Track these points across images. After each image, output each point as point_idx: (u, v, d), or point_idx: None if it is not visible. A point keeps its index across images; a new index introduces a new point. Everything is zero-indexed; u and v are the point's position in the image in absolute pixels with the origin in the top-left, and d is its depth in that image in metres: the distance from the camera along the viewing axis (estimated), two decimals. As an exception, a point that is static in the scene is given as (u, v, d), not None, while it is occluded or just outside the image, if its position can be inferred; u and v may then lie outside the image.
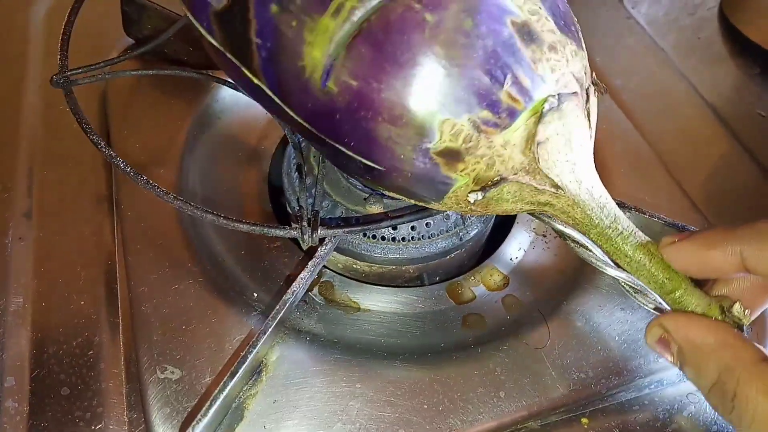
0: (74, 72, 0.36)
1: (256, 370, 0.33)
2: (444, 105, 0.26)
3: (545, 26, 0.27)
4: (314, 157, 0.39)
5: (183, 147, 0.43)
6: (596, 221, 0.29)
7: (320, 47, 0.26)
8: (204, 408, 0.29)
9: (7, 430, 0.31)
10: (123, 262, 0.37)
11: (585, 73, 0.29)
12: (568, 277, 0.40)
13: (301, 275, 0.34)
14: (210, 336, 0.34)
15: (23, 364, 0.33)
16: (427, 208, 0.36)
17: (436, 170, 0.27)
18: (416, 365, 0.34)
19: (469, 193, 0.28)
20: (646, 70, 0.54)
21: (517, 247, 0.42)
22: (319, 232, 0.34)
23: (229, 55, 0.29)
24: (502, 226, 0.43)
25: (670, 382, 0.35)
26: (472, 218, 0.39)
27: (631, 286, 0.33)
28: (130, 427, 0.32)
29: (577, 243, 0.34)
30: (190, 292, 0.36)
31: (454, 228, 0.38)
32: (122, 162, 0.33)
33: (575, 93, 0.28)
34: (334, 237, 0.35)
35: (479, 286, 0.40)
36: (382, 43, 0.25)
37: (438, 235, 0.38)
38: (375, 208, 0.37)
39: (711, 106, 0.51)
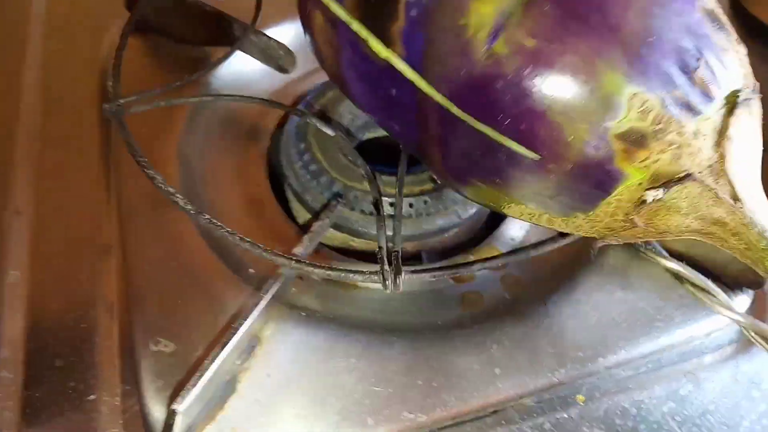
0: (128, 100, 0.36)
1: (251, 345, 0.33)
2: (636, 75, 0.22)
3: (726, 20, 0.25)
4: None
5: (184, 123, 0.43)
6: None
7: (491, 2, 0.23)
8: (194, 378, 0.29)
9: (1, 400, 0.31)
10: (119, 236, 0.37)
11: None
12: (568, 257, 0.39)
13: (295, 249, 0.34)
14: (204, 310, 0.34)
15: (18, 336, 0.33)
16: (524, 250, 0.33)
17: (609, 160, 0.23)
18: (412, 342, 0.34)
19: (646, 190, 0.24)
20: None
21: (518, 227, 0.41)
22: (403, 276, 0.30)
23: (354, 26, 0.26)
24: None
25: (668, 362, 0.35)
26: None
27: (757, 332, 0.30)
28: (123, 399, 0.32)
29: (698, 287, 0.31)
30: (186, 266, 0.35)
31: (453, 206, 0.38)
32: (172, 189, 0.33)
33: (759, 95, 0.25)
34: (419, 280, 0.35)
35: (478, 265, 0.39)
36: (569, 1, 0.22)
37: (435, 213, 0.38)
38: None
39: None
